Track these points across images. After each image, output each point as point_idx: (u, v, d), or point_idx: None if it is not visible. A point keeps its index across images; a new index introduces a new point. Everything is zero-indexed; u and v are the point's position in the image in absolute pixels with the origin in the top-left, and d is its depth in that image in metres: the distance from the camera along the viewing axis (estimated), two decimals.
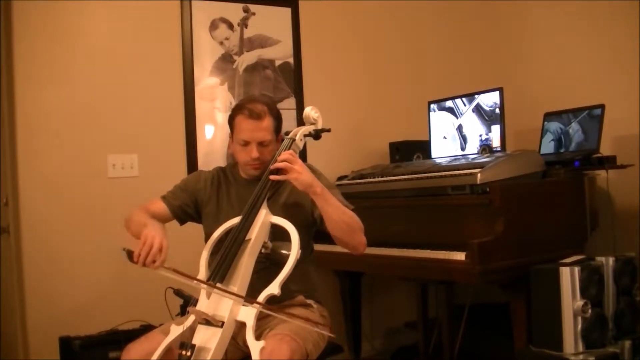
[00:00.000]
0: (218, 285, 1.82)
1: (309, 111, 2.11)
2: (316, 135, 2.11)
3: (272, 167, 1.97)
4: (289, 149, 2.05)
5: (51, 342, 2.69)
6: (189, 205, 2.17)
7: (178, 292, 1.92)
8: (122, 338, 2.53)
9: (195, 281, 1.82)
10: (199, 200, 2.17)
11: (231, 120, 2.11)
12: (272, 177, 1.96)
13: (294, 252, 1.82)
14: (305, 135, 2.10)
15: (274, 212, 1.98)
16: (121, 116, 3.02)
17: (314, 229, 2.13)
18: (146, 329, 2.46)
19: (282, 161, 1.94)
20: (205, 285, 1.82)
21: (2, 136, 2.81)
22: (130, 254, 1.77)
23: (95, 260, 2.92)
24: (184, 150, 3.17)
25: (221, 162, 3.05)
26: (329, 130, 2.15)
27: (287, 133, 2.12)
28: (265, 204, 1.96)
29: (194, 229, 2.25)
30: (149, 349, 1.83)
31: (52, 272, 2.84)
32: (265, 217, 1.93)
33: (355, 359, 3.41)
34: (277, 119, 2.10)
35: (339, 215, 1.98)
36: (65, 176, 2.90)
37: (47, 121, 2.88)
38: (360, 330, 3.43)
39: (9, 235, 2.80)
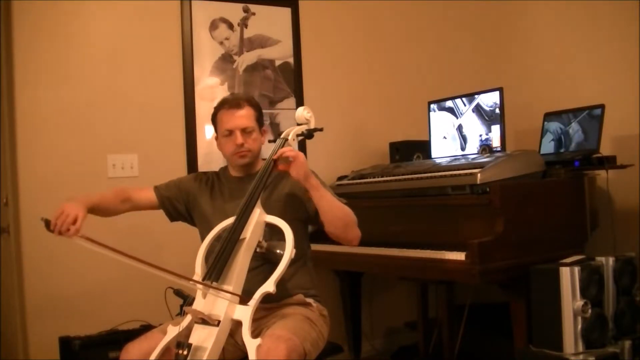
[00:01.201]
0: (214, 284, 1.82)
1: (301, 111, 2.15)
2: (309, 134, 2.14)
3: (280, 151, 1.99)
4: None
5: (51, 342, 2.69)
6: (179, 201, 2.20)
7: (178, 292, 1.92)
8: (122, 338, 2.53)
9: (118, 254, 1.78)
10: (191, 199, 2.20)
11: (214, 118, 2.19)
12: (280, 167, 2.00)
13: (288, 250, 1.83)
14: (298, 135, 2.13)
15: (268, 208, 2.00)
16: (121, 116, 3.02)
17: (308, 225, 2.15)
18: (146, 329, 2.45)
19: (286, 154, 1.97)
20: (139, 264, 1.77)
21: (2, 136, 2.81)
22: (48, 223, 1.86)
23: (95, 260, 2.89)
24: (184, 150, 3.17)
25: (221, 162, 3.03)
26: (321, 130, 2.17)
27: (280, 134, 2.15)
28: (259, 203, 1.97)
29: (189, 228, 2.25)
30: (147, 349, 1.83)
31: (52, 272, 2.83)
32: (259, 217, 1.94)
33: (355, 359, 3.40)
34: (258, 110, 2.17)
35: (333, 209, 2.02)
36: (65, 176, 2.90)
37: (47, 121, 2.88)
38: (360, 330, 3.43)
39: (9, 235, 2.81)
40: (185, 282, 1.85)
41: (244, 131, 2.10)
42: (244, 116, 2.11)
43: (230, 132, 2.11)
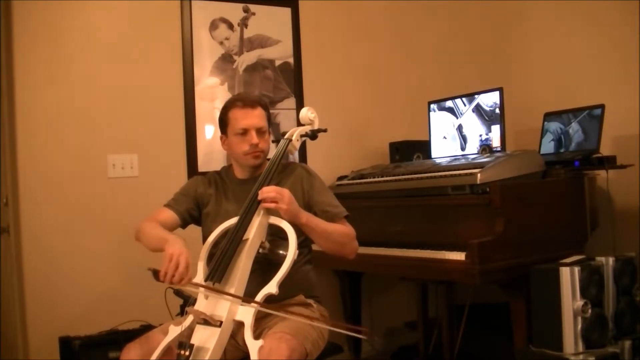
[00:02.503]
0: (216, 285, 1.82)
1: (305, 112, 2.15)
2: (312, 135, 2.14)
3: (260, 197, 1.93)
4: (285, 149, 2.09)
5: (51, 342, 2.69)
6: (194, 209, 2.19)
7: (178, 292, 1.92)
8: (122, 338, 2.54)
9: (222, 294, 1.80)
10: (200, 203, 2.20)
11: (224, 117, 2.15)
12: (263, 204, 1.93)
13: (291, 251, 1.83)
14: (301, 136, 2.12)
15: (271, 212, 1.98)
16: (121, 116, 3.02)
17: None
18: (146, 329, 2.45)
19: (270, 199, 1.91)
20: (231, 297, 1.79)
21: (2, 136, 2.81)
22: (156, 273, 1.78)
23: (95, 260, 2.92)
24: (184, 150, 3.17)
25: (221, 162, 3.05)
26: (325, 131, 2.17)
27: (283, 134, 2.14)
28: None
29: (191, 230, 2.25)
30: (148, 349, 1.83)
31: (52, 272, 2.83)
32: (262, 218, 1.94)
33: (355, 359, 3.40)
34: (268, 111, 2.17)
35: (325, 238, 2.02)
36: (65, 176, 2.90)
37: (47, 121, 2.88)
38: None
39: (9, 235, 2.80)
40: (233, 300, 1.82)
41: (259, 131, 2.09)
42: (258, 116, 2.10)
43: (245, 131, 2.08)
